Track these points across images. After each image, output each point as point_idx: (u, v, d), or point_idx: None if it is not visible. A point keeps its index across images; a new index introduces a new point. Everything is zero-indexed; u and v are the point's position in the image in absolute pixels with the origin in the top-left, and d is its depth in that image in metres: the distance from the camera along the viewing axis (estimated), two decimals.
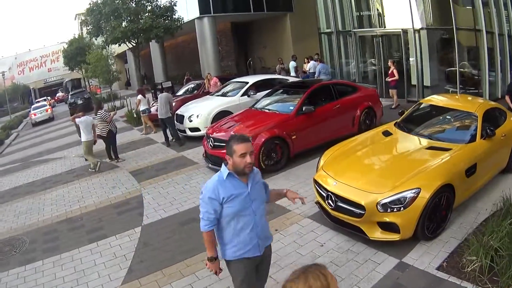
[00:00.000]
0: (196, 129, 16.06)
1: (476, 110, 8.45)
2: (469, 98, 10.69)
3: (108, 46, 26.86)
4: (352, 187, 6.92)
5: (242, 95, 16.77)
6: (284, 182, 10.46)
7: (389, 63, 18.10)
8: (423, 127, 8.92)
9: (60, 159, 17.64)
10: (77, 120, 14.37)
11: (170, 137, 16.67)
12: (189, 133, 16.30)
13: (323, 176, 7.71)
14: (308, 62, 22.35)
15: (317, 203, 7.98)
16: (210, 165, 12.32)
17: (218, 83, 19.69)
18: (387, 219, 6.47)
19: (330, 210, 7.22)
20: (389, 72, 17.88)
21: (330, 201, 7.17)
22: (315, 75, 20.81)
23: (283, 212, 8.64)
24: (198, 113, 16.09)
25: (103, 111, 15.03)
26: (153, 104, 20.19)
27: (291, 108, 12.07)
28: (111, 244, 8.76)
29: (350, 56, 23.23)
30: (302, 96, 12.27)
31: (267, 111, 12.73)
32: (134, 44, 23.86)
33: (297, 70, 23.54)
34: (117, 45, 25.08)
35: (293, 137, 11.47)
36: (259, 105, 13.46)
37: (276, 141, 11.28)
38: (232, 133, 11.02)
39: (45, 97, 58.83)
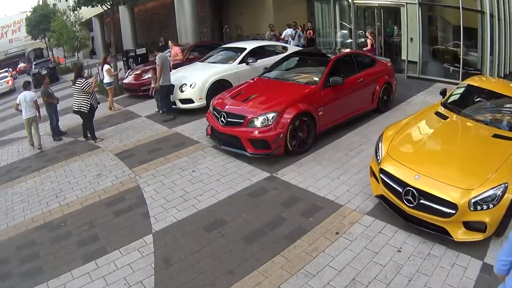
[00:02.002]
0: (189, 101, 13.85)
1: None
2: None
3: (77, 10, 24.17)
4: (440, 181, 6.02)
5: (240, 63, 14.77)
6: (318, 167, 8.96)
7: (367, 33, 17.87)
8: (476, 111, 8.12)
9: (25, 138, 14.83)
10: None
11: (158, 110, 14.79)
12: (180, 105, 14.05)
13: (395, 166, 6.65)
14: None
15: (380, 197, 6.96)
16: (221, 146, 10.18)
17: (179, 55, 17.17)
18: (477, 218, 5.76)
19: (407, 208, 6.23)
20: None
21: (410, 198, 6.17)
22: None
23: (334, 208, 7.21)
24: (192, 82, 13.77)
25: (83, 80, 12.43)
26: (129, 73, 18.45)
27: (316, 79, 10.41)
28: (117, 263, 6.45)
29: (345, 26, 22.01)
30: (326, 66, 10.61)
31: (285, 81, 10.98)
32: (109, 7, 21.11)
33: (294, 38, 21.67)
34: (88, 7, 22.31)
35: (320, 113, 9.90)
36: (272, 74, 11.68)
37: (304, 118, 9.56)
38: (249, 106, 9.54)
39: (6, 69, 55.90)
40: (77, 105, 12.37)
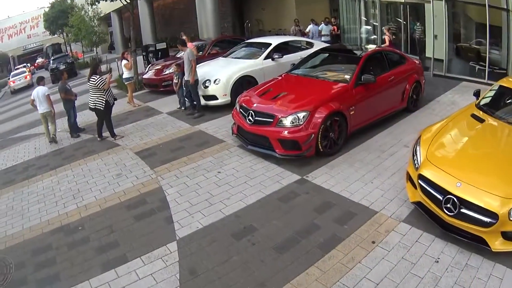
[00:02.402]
0: (213, 97, 13.35)
1: None
2: None
3: (96, 4, 23.76)
4: (482, 190, 5.66)
5: (265, 58, 14.12)
6: (350, 170, 8.46)
7: (384, 30, 17.65)
8: (510, 114, 7.64)
9: (43, 134, 14.38)
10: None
11: (180, 106, 14.40)
12: (203, 101, 13.50)
13: (435, 172, 6.24)
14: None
15: (417, 203, 6.57)
16: (248, 146, 9.62)
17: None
18: None
19: (446, 217, 5.86)
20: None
21: (450, 206, 5.80)
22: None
23: (369, 215, 6.77)
24: (216, 78, 13.21)
25: (97, 77, 11.87)
26: (150, 68, 17.98)
27: (347, 76, 9.93)
28: (138, 273, 5.94)
29: (369, 22, 21.52)
30: (357, 63, 10.17)
31: (314, 78, 10.47)
32: (128, 1, 20.66)
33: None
34: (107, 2, 21.90)
35: (351, 113, 9.40)
36: (300, 71, 11.18)
37: (336, 117, 9.07)
38: (278, 105, 9.07)
39: (24, 64, 56.13)
40: (93, 102, 11.88)
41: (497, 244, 5.54)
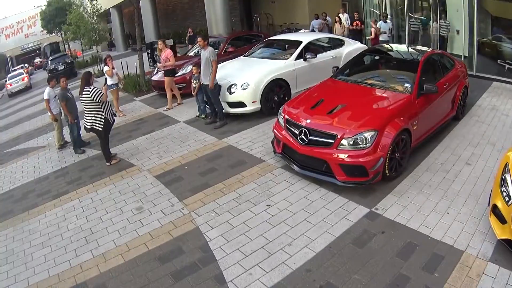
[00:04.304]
0: (240, 104, 11.52)
1: None
2: None
3: (95, 0, 22.21)
4: None
5: (297, 58, 12.30)
6: (421, 197, 7.17)
7: (371, 22, 18.00)
8: None
9: (42, 148, 12.71)
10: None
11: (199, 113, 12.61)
12: (228, 109, 11.70)
13: None
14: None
15: (507, 241, 5.60)
16: (300, 169, 7.90)
17: (171, 59, 14.21)
18: None
19: None
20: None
21: None
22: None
23: (456, 256, 5.74)
24: (243, 82, 11.40)
25: (92, 88, 9.90)
26: (158, 69, 15.88)
27: (407, 85, 8.50)
28: None
29: (397, 14, 20.29)
30: (416, 69, 8.75)
31: (370, 87, 8.91)
32: None
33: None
34: None
35: (414, 128, 8.03)
36: (350, 77, 9.69)
37: (403, 135, 7.66)
38: (337, 121, 7.48)
39: (22, 65, 54.86)
40: (89, 121, 9.87)
41: None
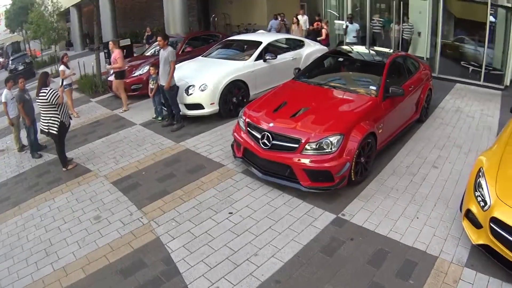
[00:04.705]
0: (198, 106, 11.22)
1: None
2: None
3: None
4: None
5: (256, 59, 12.18)
6: (388, 202, 7.19)
7: (323, 23, 18.43)
8: None
9: (1, 152, 12.26)
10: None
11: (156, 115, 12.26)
12: (185, 111, 11.43)
13: None
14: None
15: (483, 246, 5.62)
16: (263, 175, 7.76)
17: (118, 61, 13.69)
18: None
19: None
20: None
21: None
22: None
23: (430, 262, 5.74)
24: (201, 83, 11.09)
25: (48, 89, 9.48)
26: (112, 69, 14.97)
27: (373, 88, 8.49)
28: None
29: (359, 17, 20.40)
30: (381, 71, 8.78)
31: (334, 89, 8.89)
32: None
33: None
34: None
35: (380, 131, 8.02)
36: (313, 79, 9.52)
37: (369, 139, 7.60)
38: (302, 125, 7.37)
39: None
40: (46, 124, 9.54)
41: None
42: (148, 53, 17.11)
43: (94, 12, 19.02)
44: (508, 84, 13.95)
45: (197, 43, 17.19)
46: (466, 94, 12.55)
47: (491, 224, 5.45)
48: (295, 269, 5.63)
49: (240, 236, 6.39)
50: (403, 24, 17.27)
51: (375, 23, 18.67)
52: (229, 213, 7.03)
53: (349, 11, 19.98)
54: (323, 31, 17.57)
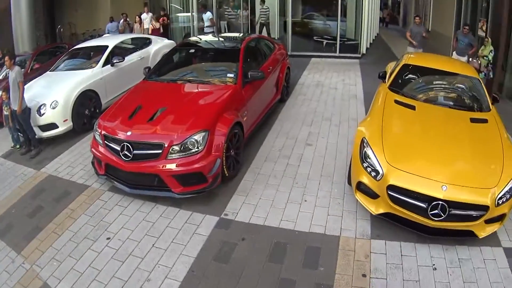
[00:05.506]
0: (52, 126, 10.51)
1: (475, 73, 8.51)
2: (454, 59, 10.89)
3: None
4: (467, 187, 5.62)
5: (104, 65, 11.82)
6: (270, 191, 7.34)
7: (152, 19, 19.08)
8: (429, 94, 8.15)
9: None
10: None
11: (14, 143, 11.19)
12: (41, 133, 10.65)
13: (410, 179, 5.72)
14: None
15: (385, 215, 5.98)
16: (130, 190, 7.48)
17: None
18: (500, 212, 5.67)
19: (433, 223, 5.61)
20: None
21: (439, 212, 5.53)
22: None
23: (333, 243, 5.96)
24: (53, 99, 10.41)
25: None
26: None
27: (230, 75, 8.56)
28: None
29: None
30: (237, 57, 8.91)
31: (189, 83, 8.82)
32: None
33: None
34: None
35: (244, 118, 8.15)
36: (165, 76, 9.35)
37: (235, 130, 7.64)
38: (162, 128, 7.22)
39: None
40: None
41: (483, 232, 5.73)
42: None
43: None
44: (364, 52, 14.64)
45: (44, 58, 16.21)
46: (324, 67, 12.90)
47: (389, 192, 5.75)
48: (194, 285, 5.49)
49: (125, 262, 6.11)
50: (260, 8, 17.83)
51: (230, 11, 19.25)
52: (107, 238, 6.67)
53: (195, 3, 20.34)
54: (151, 26, 18.31)
